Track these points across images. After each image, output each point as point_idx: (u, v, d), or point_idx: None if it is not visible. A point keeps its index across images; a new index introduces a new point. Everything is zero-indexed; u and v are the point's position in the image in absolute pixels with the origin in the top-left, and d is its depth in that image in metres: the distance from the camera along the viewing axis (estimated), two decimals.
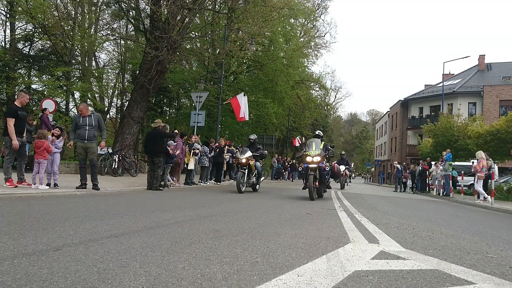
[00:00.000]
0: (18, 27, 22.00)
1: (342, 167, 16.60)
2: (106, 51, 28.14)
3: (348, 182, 27.27)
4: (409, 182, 22.41)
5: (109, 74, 28.27)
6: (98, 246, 2.63)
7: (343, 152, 20.39)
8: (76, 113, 15.25)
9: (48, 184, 7.59)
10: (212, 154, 13.50)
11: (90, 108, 8.09)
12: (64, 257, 2.28)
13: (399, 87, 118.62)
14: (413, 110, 38.15)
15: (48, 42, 21.86)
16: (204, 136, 20.87)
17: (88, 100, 23.90)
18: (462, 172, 15.29)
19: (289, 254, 2.73)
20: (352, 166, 36.37)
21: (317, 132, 9.94)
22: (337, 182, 17.73)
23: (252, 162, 10.53)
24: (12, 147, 6.89)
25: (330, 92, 50.84)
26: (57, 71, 19.64)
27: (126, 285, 1.83)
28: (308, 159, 8.67)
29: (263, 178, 11.90)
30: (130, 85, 26.07)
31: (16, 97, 7.53)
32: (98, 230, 3.24)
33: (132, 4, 19.52)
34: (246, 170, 10.30)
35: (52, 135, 8.15)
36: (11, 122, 6.91)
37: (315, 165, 8.58)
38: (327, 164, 9.13)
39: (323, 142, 9.28)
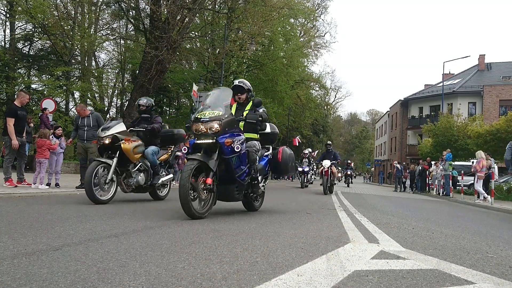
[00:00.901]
0: (18, 26, 22.03)
1: (327, 162, 12.06)
2: (106, 51, 28.17)
3: (348, 183, 24.48)
4: (408, 182, 22.39)
5: (109, 73, 28.31)
6: (98, 245, 2.63)
7: (329, 142, 14.45)
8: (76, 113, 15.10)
9: (48, 184, 7.59)
10: None
11: (90, 108, 8.10)
12: (64, 256, 2.28)
13: (399, 87, 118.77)
14: (413, 110, 38.16)
15: (48, 42, 21.88)
16: None
17: (88, 99, 23.91)
18: (462, 172, 15.29)
19: (289, 254, 2.73)
20: (353, 164, 30.41)
21: (236, 82, 5.16)
22: (321, 185, 12.75)
23: (128, 145, 5.69)
24: (12, 147, 6.90)
25: (330, 92, 50.80)
26: (57, 70, 19.68)
27: (126, 284, 1.83)
28: (197, 127, 4.28)
29: (169, 176, 6.79)
30: (130, 85, 26.07)
31: (15, 96, 7.54)
32: (98, 230, 3.24)
33: (132, 4, 19.54)
34: (116, 159, 5.56)
35: (55, 135, 8.16)
36: (10, 122, 6.92)
37: (210, 141, 4.20)
38: (254, 143, 4.89)
39: (251, 101, 5.09)
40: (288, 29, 27.12)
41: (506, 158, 8.49)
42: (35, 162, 7.46)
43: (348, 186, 22.32)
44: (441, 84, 30.48)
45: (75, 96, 23.77)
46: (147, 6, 18.37)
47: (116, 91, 29.54)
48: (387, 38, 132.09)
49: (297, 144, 30.53)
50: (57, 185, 7.77)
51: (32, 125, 10.52)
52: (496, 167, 14.47)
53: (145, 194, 6.70)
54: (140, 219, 4.07)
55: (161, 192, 6.79)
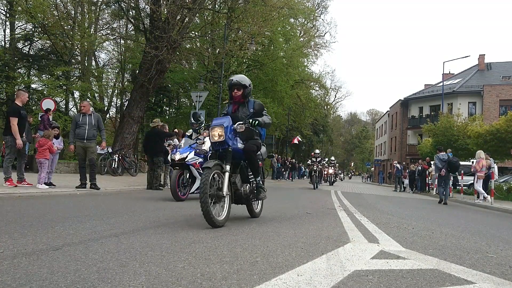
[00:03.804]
0: (18, 26, 21.99)
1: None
2: (106, 51, 28.12)
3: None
4: (406, 182, 22.34)
5: (109, 73, 28.29)
6: (98, 245, 2.63)
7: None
8: (76, 113, 15.10)
9: (45, 183, 7.55)
10: None
11: (91, 108, 8.05)
12: (64, 256, 2.28)
13: (399, 87, 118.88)
14: (413, 110, 38.15)
15: (48, 41, 21.84)
16: None
17: (88, 99, 23.88)
18: (462, 171, 15.27)
19: (289, 253, 2.73)
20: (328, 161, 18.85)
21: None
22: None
23: None
24: (17, 146, 6.89)
25: (330, 91, 50.84)
26: (57, 70, 19.65)
27: (126, 284, 1.83)
28: None
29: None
30: (129, 85, 26.03)
31: (16, 96, 7.51)
32: (98, 230, 3.24)
33: (132, 4, 19.50)
34: None
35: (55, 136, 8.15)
36: (14, 121, 6.89)
37: None
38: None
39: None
40: (288, 29, 27.11)
41: (437, 166, 11.33)
42: (36, 162, 7.43)
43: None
44: (441, 84, 30.45)
45: (75, 96, 23.78)
46: (147, 6, 18.33)
47: (116, 91, 29.49)
48: (387, 38, 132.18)
49: (298, 143, 30.75)
50: (50, 184, 7.63)
51: (31, 120, 10.42)
52: (496, 167, 14.47)
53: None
54: (140, 219, 4.07)
55: None
